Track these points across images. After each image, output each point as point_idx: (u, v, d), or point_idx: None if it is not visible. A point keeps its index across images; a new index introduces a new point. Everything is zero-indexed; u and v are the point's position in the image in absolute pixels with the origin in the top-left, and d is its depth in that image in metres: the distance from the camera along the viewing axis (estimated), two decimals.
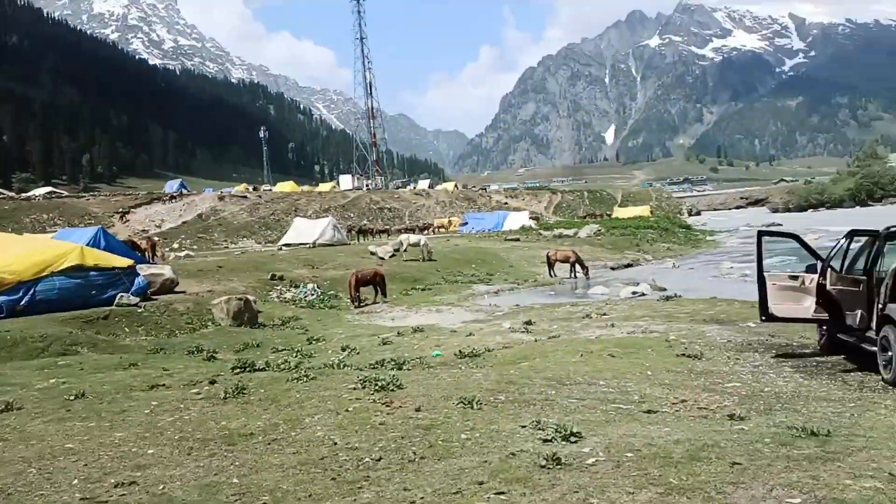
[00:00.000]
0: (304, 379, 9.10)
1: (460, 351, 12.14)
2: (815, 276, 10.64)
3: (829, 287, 9.58)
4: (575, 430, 6.24)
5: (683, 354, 10.98)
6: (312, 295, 24.20)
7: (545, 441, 6.12)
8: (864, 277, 9.44)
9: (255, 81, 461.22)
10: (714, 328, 13.85)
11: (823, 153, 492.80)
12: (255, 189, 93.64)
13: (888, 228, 9.58)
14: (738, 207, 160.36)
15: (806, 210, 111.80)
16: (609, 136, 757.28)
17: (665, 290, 23.46)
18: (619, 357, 10.77)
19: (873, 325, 9.40)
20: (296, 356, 13.23)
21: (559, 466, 5.36)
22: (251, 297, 19.95)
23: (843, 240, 9.83)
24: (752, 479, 4.84)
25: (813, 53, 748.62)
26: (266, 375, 9.88)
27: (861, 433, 6.09)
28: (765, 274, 10.63)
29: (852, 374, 9.46)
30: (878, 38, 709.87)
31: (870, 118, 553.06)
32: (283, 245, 40.22)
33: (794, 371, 9.75)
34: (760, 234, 10.77)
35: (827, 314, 9.81)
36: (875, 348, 9.16)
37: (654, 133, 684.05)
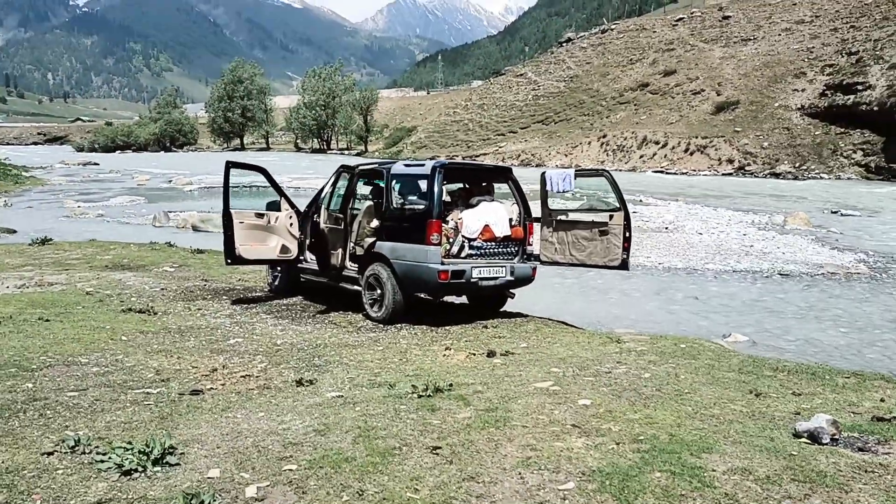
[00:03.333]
0: None
1: None
2: (280, 214, 9.90)
3: (322, 225, 8.93)
4: (168, 445, 3.96)
5: (130, 310, 8.92)
6: None
7: (127, 473, 3.70)
8: (342, 215, 9.11)
9: None
10: (130, 275, 11.81)
11: (119, 96, 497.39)
12: None
13: (358, 166, 9.47)
14: (35, 143, 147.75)
15: (114, 151, 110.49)
16: None
17: (15, 231, 19.35)
18: (58, 320, 7.99)
19: (348, 263, 9.21)
20: None
21: None
22: None
23: (333, 177, 9.28)
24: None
25: None
26: None
27: (470, 381, 5.62)
28: (232, 211, 9.32)
29: (331, 315, 9.09)
30: None
31: (161, 68, 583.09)
32: None
33: (275, 318, 8.88)
34: (229, 164, 9.36)
35: (315, 254, 9.16)
36: (357, 287, 8.98)
37: None
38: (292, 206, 10.12)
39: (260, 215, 9.82)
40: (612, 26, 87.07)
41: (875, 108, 45.80)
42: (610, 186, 8.31)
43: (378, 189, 9.38)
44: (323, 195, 9.13)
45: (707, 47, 70.01)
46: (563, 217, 8.77)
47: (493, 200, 8.95)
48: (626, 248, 8.21)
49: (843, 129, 48.59)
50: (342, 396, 5.29)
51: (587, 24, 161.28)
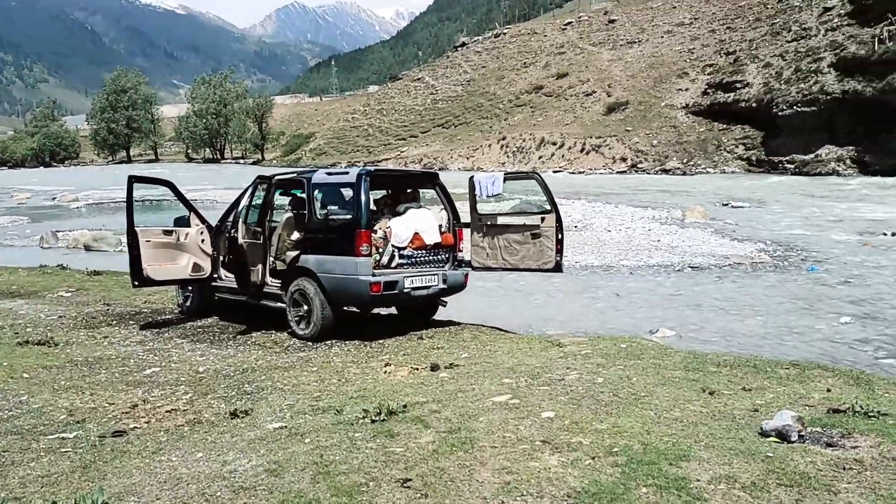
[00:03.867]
0: None
1: None
2: (190, 230, 9.31)
3: (241, 241, 8.37)
4: (101, 502, 3.48)
5: (27, 342, 8.17)
6: None
7: None
8: (260, 229, 8.61)
9: None
10: (22, 303, 10.86)
11: None
12: None
13: (275, 176, 8.98)
14: None
15: None
16: None
17: None
18: None
19: (269, 279, 8.73)
20: None
21: None
22: None
23: (249, 188, 8.73)
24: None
25: None
26: None
27: (428, 399, 5.32)
28: (137, 229, 8.65)
29: (253, 335, 8.58)
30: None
31: (36, 80, 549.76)
32: None
33: (192, 342, 8.30)
34: (132, 179, 8.68)
35: (234, 270, 8.59)
36: (280, 304, 8.51)
37: None
38: (203, 220, 9.53)
39: (168, 232, 9.19)
40: (505, 31, 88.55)
41: (753, 105, 48.42)
42: (540, 188, 8.23)
43: (298, 200, 8.95)
44: (240, 208, 8.59)
45: (596, 50, 72.29)
46: (493, 221, 8.61)
47: (420, 207, 8.69)
48: (560, 251, 8.14)
49: (725, 126, 51.11)
50: (286, 427, 4.89)
51: (478, 28, 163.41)
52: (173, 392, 6.16)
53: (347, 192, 8.17)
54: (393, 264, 8.21)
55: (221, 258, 9.22)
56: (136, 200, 9.10)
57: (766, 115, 46.43)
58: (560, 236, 8.11)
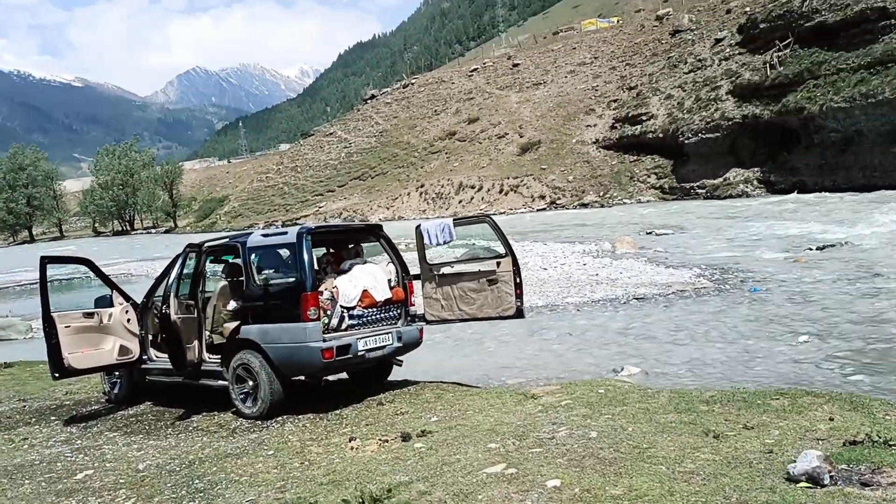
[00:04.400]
0: None
1: None
2: (114, 310, 8.49)
3: (174, 317, 7.57)
4: None
5: None
6: None
7: None
8: (193, 301, 7.89)
9: None
10: None
11: None
12: None
13: (205, 243, 8.30)
14: None
15: None
16: None
17: None
18: None
19: (206, 355, 7.99)
20: None
21: None
22: None
23: (180, 258, 7.97)
24: None
25: None
26: None
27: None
28: (54, 314, 7.80)
29: (194, 419, 7.78)
30: None
31: None
32: None
33: (126, 435, 7.47)
34: (45, 260, 7.83)
35: (168, 349, 7.79)
36: (222, 382, 7.76)
37: None
38: (127, 298, 8.74)
39: (89, 314, 8.34)
40: (413, 80, 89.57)
41: (660, 135, 50.21)
42: (493, 231, 7.85)
43: (233, 266, 8.27)
44: (170, 281, 7.84)
45: (503, 94, 73.84)
46: (445, 270, 8.14)
47: (365, 262, 8.15)
48: (520, 295, 7.72)
49: (635, 157, 52.73)
50: None
51: (384, 81, 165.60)
52: (112, 499, 5.37)
53: (286, 254, 7.59)
54: (343, 326, 7.61)
55: (151, 337, 8.43)
56: (49, 282, 8.23)
57: (673, 144, 48.15)
58: (518, 280, 7.71)
